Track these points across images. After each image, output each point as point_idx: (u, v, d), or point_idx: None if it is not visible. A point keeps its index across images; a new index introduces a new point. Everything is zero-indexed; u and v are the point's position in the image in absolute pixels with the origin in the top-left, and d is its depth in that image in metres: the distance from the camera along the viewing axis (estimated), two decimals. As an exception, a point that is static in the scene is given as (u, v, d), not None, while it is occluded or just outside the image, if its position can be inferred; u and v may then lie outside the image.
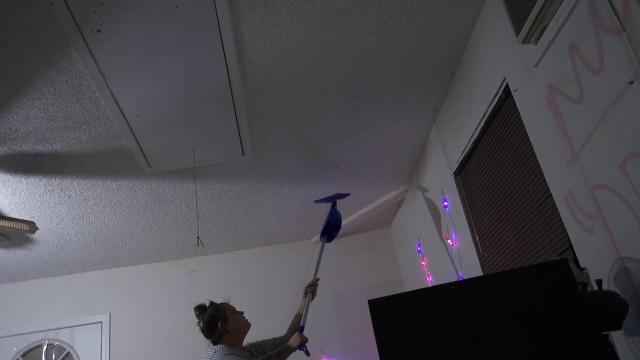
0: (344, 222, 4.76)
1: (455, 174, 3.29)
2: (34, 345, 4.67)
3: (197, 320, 2.65)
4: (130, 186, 3.60)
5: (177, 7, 2.25)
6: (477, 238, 3.12)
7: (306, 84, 2.89)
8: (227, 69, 2.65)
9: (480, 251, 3.09)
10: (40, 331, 4.70)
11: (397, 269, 4.97)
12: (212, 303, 2.69)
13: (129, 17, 2.26)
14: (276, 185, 3.96)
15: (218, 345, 2.53)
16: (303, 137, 3.41)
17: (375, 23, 2.54)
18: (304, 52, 2.65)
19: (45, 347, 4.67)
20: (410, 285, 4.66)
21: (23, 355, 4.63)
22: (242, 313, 2.71)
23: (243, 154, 3.42)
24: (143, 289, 4.89)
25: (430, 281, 4.02)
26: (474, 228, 3.15)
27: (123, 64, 2.52)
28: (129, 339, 4.70)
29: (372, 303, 1.66)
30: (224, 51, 2.53)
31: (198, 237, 3.33)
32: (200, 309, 2.67)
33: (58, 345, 4.66)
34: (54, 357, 4.61)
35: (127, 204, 3.82)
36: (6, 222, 3.28)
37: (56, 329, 4.71)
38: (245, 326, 2.69)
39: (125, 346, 4.67)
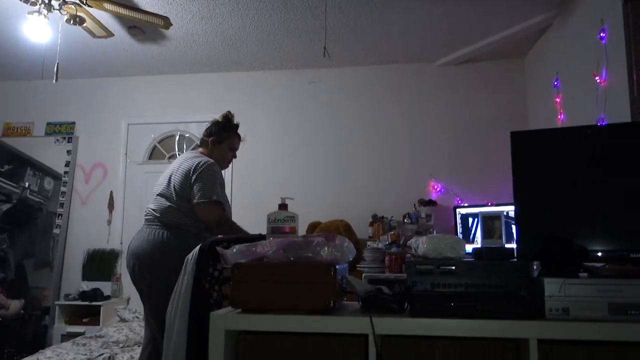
0: (475, 46, 4.40)
1: (625, 0, 2.79)
2: (167, 134, 5.16)
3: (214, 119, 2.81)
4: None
5: None
6: (635, 78, 2.74)
7: None
8: None
9: (635, 93, 2.74)
10: (172, 122, 5.14)
11: (523, 103, 4.64)
12: (228, 122, 2.80)
13: None
14: (408, -1, 3.64)
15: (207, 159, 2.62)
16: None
17: None
18: None
19: (178, 137, 5.15)
20: (535, 121, 4.39)
21: (159, 142, 5.17)
22: (233, 154, 2.81)
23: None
24: (263, 94, 5.05)
25: (561, 119, 3.74)
26: (634, 66, 2.75)
27: None
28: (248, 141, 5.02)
29: (514, 135, 1.64)
30: None
31: (325, 48, 3.23)
32: (226, 118, 2.81)
33: (188, 137, 5.12)
34: (184, 146, 5.10)
35: (253, 7, 3.75)
36: (143, 15, 3.37)
37: (186, 122, 5.12)
38: (225, 163, 2.78)
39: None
